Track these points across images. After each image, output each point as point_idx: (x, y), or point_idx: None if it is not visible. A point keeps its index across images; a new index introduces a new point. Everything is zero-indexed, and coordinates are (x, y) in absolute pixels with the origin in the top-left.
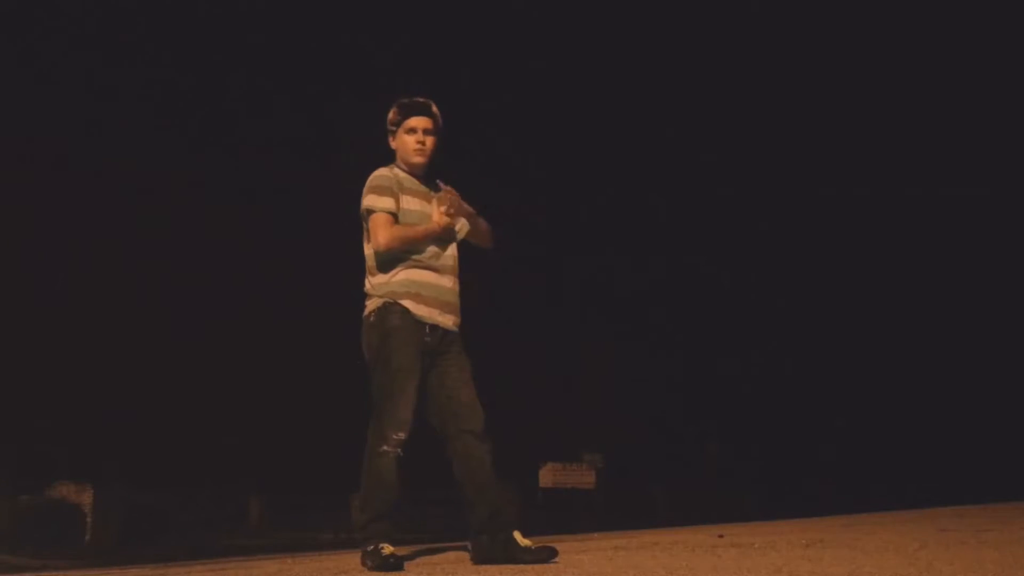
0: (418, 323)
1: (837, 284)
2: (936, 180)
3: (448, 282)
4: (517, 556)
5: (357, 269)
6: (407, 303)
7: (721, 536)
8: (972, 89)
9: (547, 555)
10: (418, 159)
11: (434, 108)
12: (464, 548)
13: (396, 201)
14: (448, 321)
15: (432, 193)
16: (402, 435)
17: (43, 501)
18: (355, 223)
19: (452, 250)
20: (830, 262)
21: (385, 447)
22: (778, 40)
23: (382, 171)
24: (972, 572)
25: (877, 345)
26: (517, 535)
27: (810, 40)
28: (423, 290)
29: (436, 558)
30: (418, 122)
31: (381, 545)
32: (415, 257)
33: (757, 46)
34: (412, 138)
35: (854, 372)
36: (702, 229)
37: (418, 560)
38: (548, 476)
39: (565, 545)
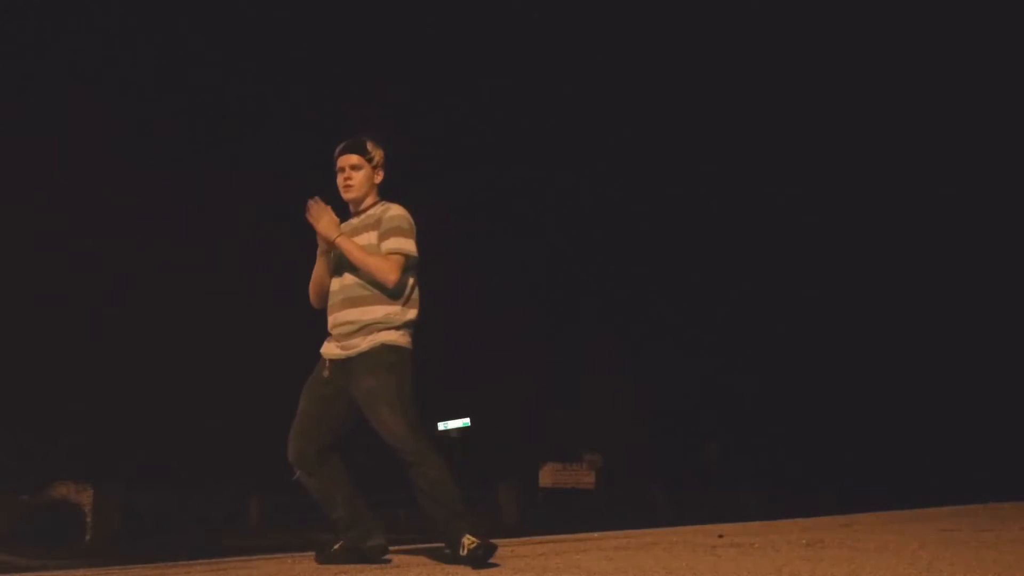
0: (322, 360)
1: (838, 285)
2: (935, 181)
3: (345, 315)
4: (461, 561)
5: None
6: (323, 345)
7: (721, 536)
8: (965, 91)
9: (484, 555)
10: (346, 195)
11: (367, 144)
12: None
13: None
14: (345, 351)
15: (364, 220)
16: (289, 456)
17: (43, 501)
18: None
19: (348, 280)
20: (830, 263)
21: None
22: (774, 44)
23: None
24: (972, 572)
25: (877, 346)
26: (465, 539)
27: (804, 43)
28: (330, 328)
29: (435, 557)
30: (343, 161)
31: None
32: (327, 302)
33: (744, 49)
34: (340, 177)
35: (854, 372)
36: (701, 230)
37: (418, 560)
38: (548, 476)
39: (565, 545)
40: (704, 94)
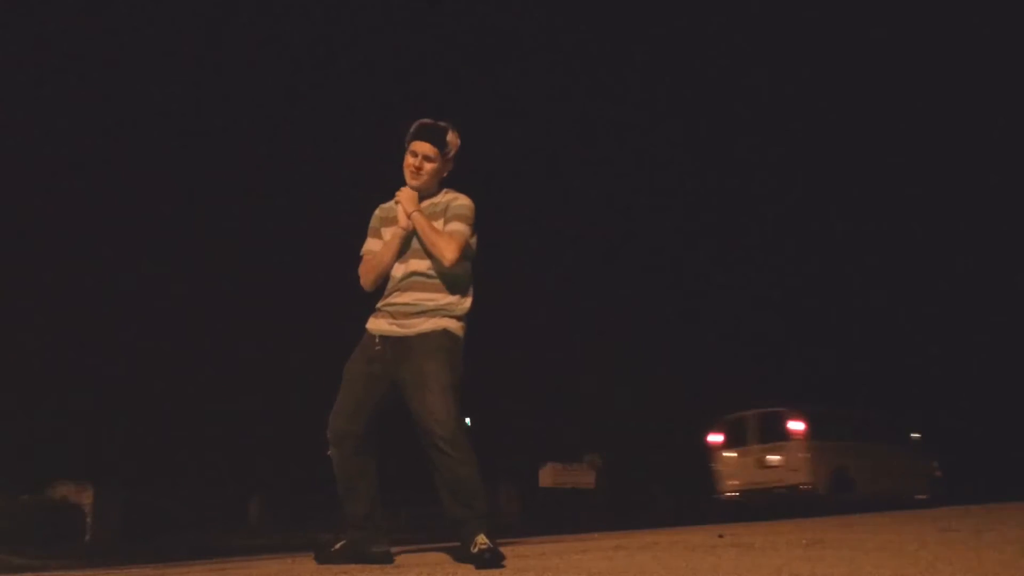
0: (370, 336)
1: (837, 284)
2: (936, 184)
3: (408, 296)
4: (473, 559)
5: (357, 272)
6: (368, 321)
7: (721, 536)
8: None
9: (491, 560)
10: (410, 181)
11: (448, 136)
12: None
13: (378, 238)
14: (400, 328)
15: (430, 208)
16: (329, 434)
17: (43, 501)
18: (354, 225)
19: (412, 267)
20: (831, 262)
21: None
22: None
23: (381, 206)
24: (972, 572)
25: (878, 345)
26: (479, 537)
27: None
28: (381, 306)
29: (436, 557)
30: (419, 147)
31: (338, 542)
32: (387, 285)
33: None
34: (411, 161)
35: (855, 372)
36: (701, 228)
37: (418, 560)
38: (548, 476)
39: (565, 545)
40: (689, 82)
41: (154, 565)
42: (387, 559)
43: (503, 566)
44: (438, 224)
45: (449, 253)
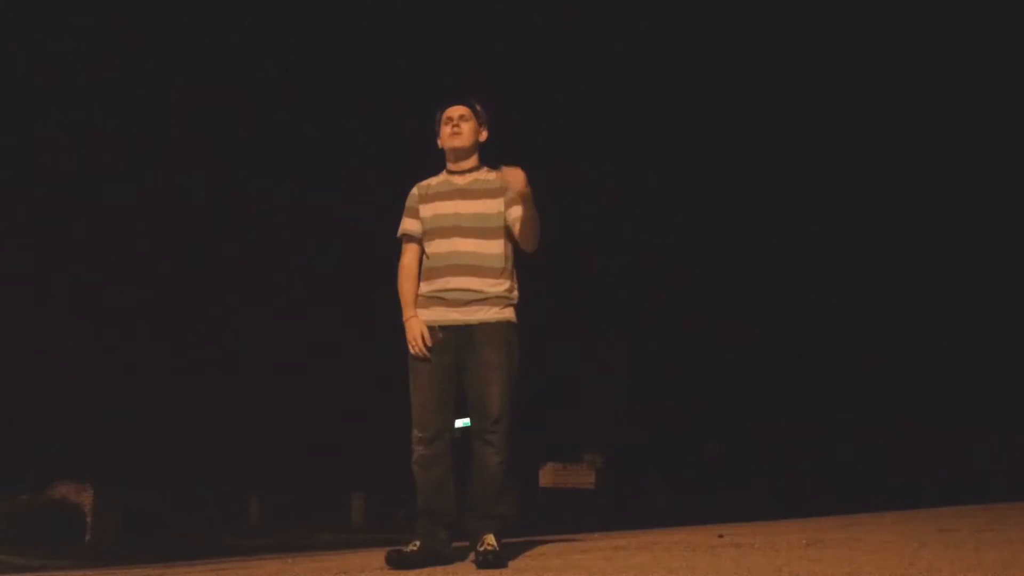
0: (430, 327)
1: (837, 285)
2: (938, 187)
3: (463, 281)
4: (476, 557)
5: (356, 272)
6: (420, 310)
7: (721, 536)
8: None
9: (493, 562)
10: (453, 143)
11: (472, 100)
12: (465, 546)
13: (416, 218)
14: (460, 316)
15: (476, 184)
16: (419, 433)
17: (43, 501)
18: (353, 227)
19: (461, 246)
20: (830, 263)
21: (413, 446)
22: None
23: (418, 184)
24: (972, 572)
25: (877, 346)
26: (488, 537)
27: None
28: (431, 292)
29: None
30: (452, 111)
31: (411, 543)
32: (426, 266)
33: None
34: (447, 127)
35: (854, 373)
36: (703, 230)
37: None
38: (548, 476)
39: (565, 545)
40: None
41: (154, 565)
42: (453, 557)
43: (506, 566)
44: (494, 204)
45: (536, 243)
